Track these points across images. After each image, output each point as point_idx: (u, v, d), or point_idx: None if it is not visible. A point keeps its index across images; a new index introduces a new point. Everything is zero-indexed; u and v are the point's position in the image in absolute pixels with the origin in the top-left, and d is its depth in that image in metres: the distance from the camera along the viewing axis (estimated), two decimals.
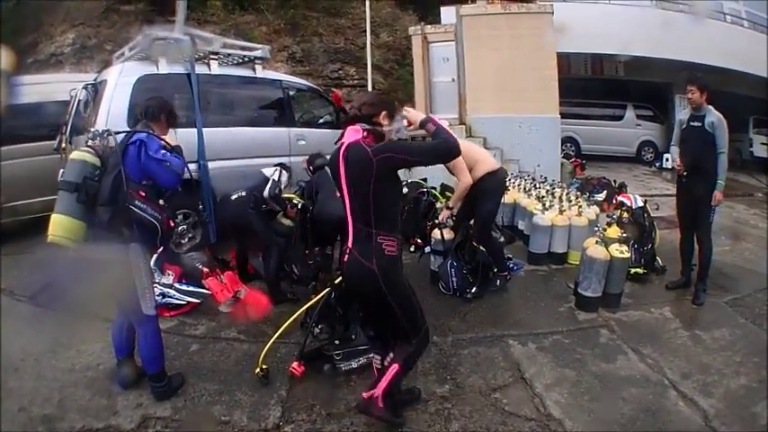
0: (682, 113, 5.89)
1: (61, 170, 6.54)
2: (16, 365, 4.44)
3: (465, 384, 4.21)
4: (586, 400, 4.01)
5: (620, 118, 17.64)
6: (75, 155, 3.74)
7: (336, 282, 4.27)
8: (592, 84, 16.89)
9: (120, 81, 6.54)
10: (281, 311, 5.19)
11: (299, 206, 5.97)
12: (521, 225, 7.91)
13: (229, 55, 7.59)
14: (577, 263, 6.20)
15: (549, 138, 11.47)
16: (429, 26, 13.24)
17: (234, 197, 5.81)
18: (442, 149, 3.12)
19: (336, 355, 4.26)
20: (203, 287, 5.56)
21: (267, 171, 5.98)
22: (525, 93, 11.14)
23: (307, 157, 6.28)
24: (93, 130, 4.04)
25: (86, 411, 3.87)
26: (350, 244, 3.27)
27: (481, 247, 5.88)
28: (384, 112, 3.29)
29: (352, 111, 3.33)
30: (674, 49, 14.15)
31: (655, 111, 17.64)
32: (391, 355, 3.51)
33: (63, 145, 7.15)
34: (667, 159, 15.79)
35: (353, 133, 3.22)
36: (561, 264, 6.93)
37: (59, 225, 3.54)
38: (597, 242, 5.58)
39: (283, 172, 5.98)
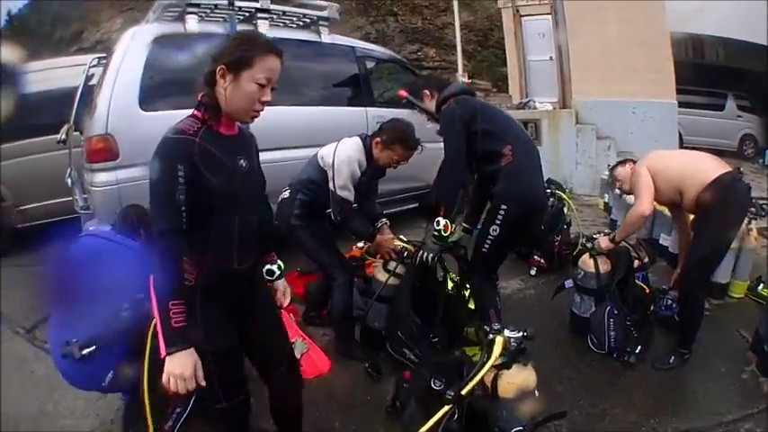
0: None
1: (69, 168, 5.60)
2: None
3: None
4: None
5: (720, 108, 15.43)
6: None
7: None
8: (691, 69, 14.24)
9: (132, 47, 4.80)
10: (357, 385, 3.56)
11: (408, 256, 3.87)
12: (663, 240, 5.75)
13: (284, 13, 5.83)
14: (740, 296, 4.85)
15: (665, 126, 9.71)
16: None
17: (279, 198, 3.90)
18: None
19: None
20: None
21: (325, 153, 3.87)
22: (637, 74, 9.49)
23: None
24: None
25: None
26: None
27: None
28: None
29: None
30: None
31: (753, 102, 15.43)
32: None
33: (64, 136, 5.64)
34: None
35: None
36: (721, 298, 4.94)
37: None
38: None
39: (354, 152, 3.77)
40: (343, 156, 3.66)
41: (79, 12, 16.42)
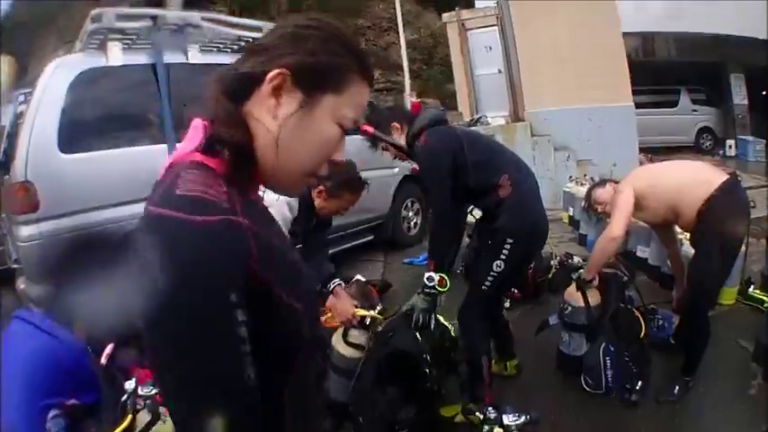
0: None
1: (2, 217, 4.91)
2: None
3: None
4: None
5: (674, 104, 15.47)
6: None
7: None
8: (642, 68, 14.21)
9: (52, 81, 4.27)
10: None
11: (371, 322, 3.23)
12: (641, 251, 5.37)
13: (218, 37, 5.33)
14: (731, 303, 4.54)
15: (624, 130, 9.67)
16: (465, 11, 11.47)
17: None
18: None
19: None
20: None
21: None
22: (591, 79, 9.29)
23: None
24: None
25: None
26: None
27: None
28: None
29: None
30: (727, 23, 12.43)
31: (708, 94, 15.59)
32: None
33: None
34: (730, 147, 14.39)
35: None
36: (712, 308, 4.39)
37: None
38: None
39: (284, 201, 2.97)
40: (270, 199, 3.07)
41: (26, 46, 15.81)
